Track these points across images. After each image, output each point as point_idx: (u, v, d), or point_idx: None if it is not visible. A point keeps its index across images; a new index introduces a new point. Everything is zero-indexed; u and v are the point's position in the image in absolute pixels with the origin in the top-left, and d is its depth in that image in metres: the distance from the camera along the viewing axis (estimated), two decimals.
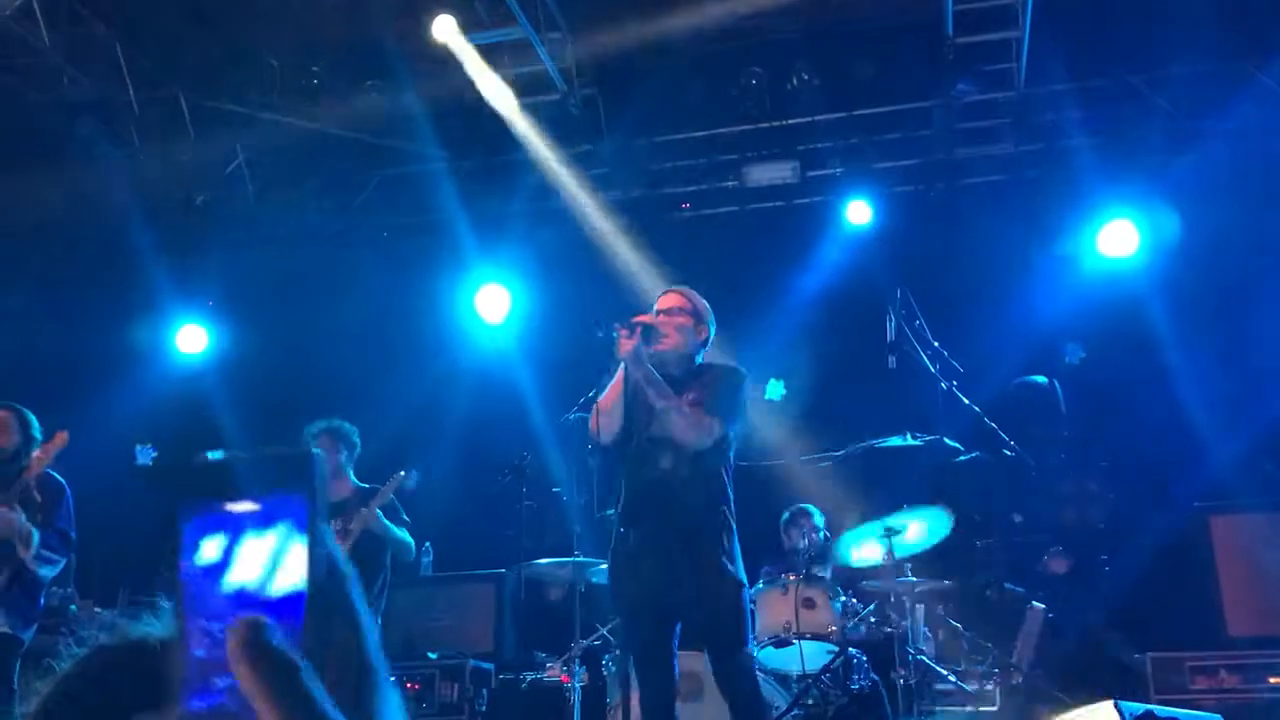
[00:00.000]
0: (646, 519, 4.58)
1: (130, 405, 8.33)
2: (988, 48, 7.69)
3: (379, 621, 5.89)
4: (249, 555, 0.75)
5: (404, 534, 6.00)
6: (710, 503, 4.62)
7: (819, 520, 6.63)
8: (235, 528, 0.76)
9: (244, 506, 0.76)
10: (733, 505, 4.72)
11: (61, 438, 5.44)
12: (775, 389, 4.60)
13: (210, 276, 8.91)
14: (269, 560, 0.75)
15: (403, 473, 5.98)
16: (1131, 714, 3.19)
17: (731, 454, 4.77)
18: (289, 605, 0.74)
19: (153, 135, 8.20)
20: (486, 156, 8.64)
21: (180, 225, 8.55)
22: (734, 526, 4.69)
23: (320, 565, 0.74)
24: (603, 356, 4.65)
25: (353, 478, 6.17)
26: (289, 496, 0.76)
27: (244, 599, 0.74)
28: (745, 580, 4.68)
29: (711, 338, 4.90)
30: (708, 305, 4.92)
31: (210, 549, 0.76)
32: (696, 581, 4.54)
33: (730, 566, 4.59)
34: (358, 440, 6.25)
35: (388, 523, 5.91)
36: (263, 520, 0.76)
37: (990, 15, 7.49)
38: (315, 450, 0.78)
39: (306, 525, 0.75)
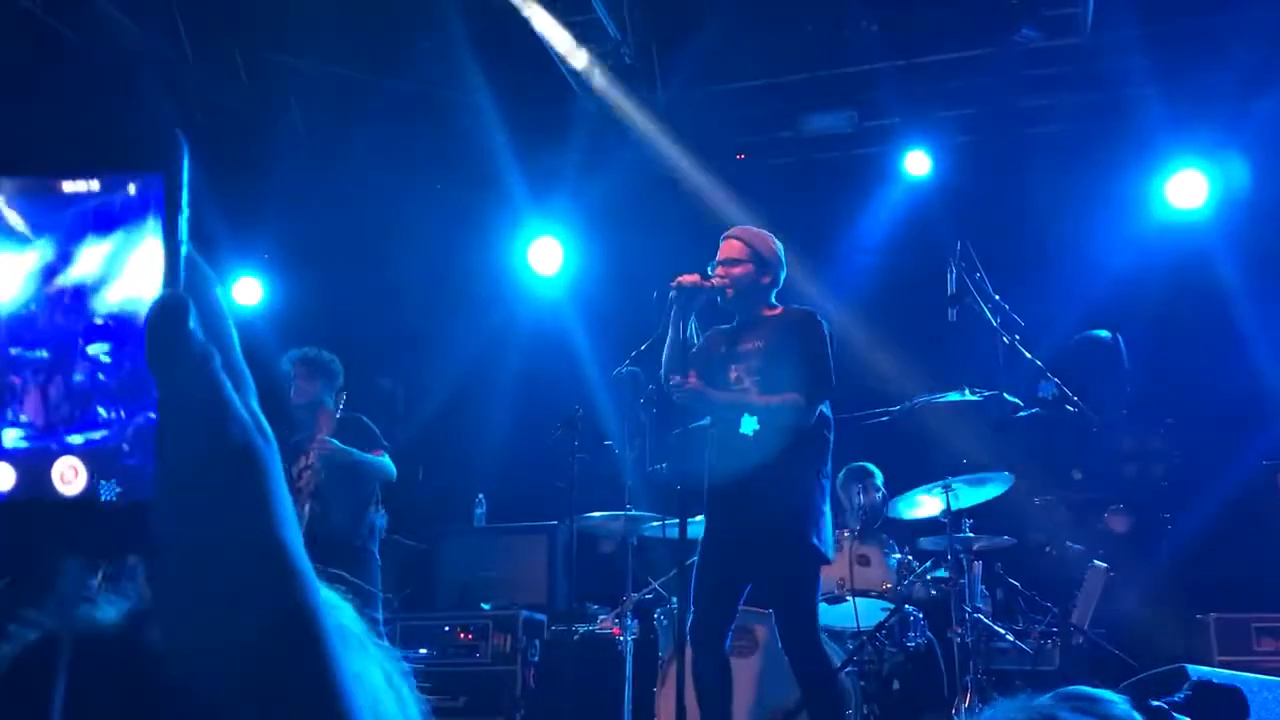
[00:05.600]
0: (723, 480, 4.52)
1: None
2: None
3: (377, 558, 5.96)
4: (84, 256, 0.58)
5: (375, 457, 5.91)
6: (795, 464, 4.50)
7: (879, 478, 6.56)
8: (65, 215, 0.59)
9: (81, 185, 0.59)
10: (827, 467, 4.61)
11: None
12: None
13: (265, 229, 8.94)
14: (108, 263, 0.58)
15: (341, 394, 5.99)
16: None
17: (827, 410, 4.66)
18: (131, 319, 0.57)
19: (208, 88, 8.20)
20: (540, 108, 8.56)
21: (235, 177, 8.56)
22: (823, 491, 4.56)
23: (181, 263, 0.57)
24: (657, 311, 4.62)
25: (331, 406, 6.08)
26: (142, 177, 0.58)
27: (74, 309, 0.57)
28: (828, 555, 4.59)
29: (781, 279, 4.78)
30: (773, 243, 4.77)
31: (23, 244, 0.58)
32: (767, 552, 4.48)
33: (804, 538, 4.47)
34: (339, 369, 6.13)
35: (348, 448, 5.82)
36: (104, 214, 0.58)
37: None
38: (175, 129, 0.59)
39: (165, 212, 0.58)
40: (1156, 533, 7.05)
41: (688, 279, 4.59)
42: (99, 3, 7.31)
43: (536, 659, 6.92)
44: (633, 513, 6.09)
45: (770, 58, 7.99)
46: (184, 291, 0.57)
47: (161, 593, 0.57)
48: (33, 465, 0.58)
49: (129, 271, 0.58)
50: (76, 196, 0.59)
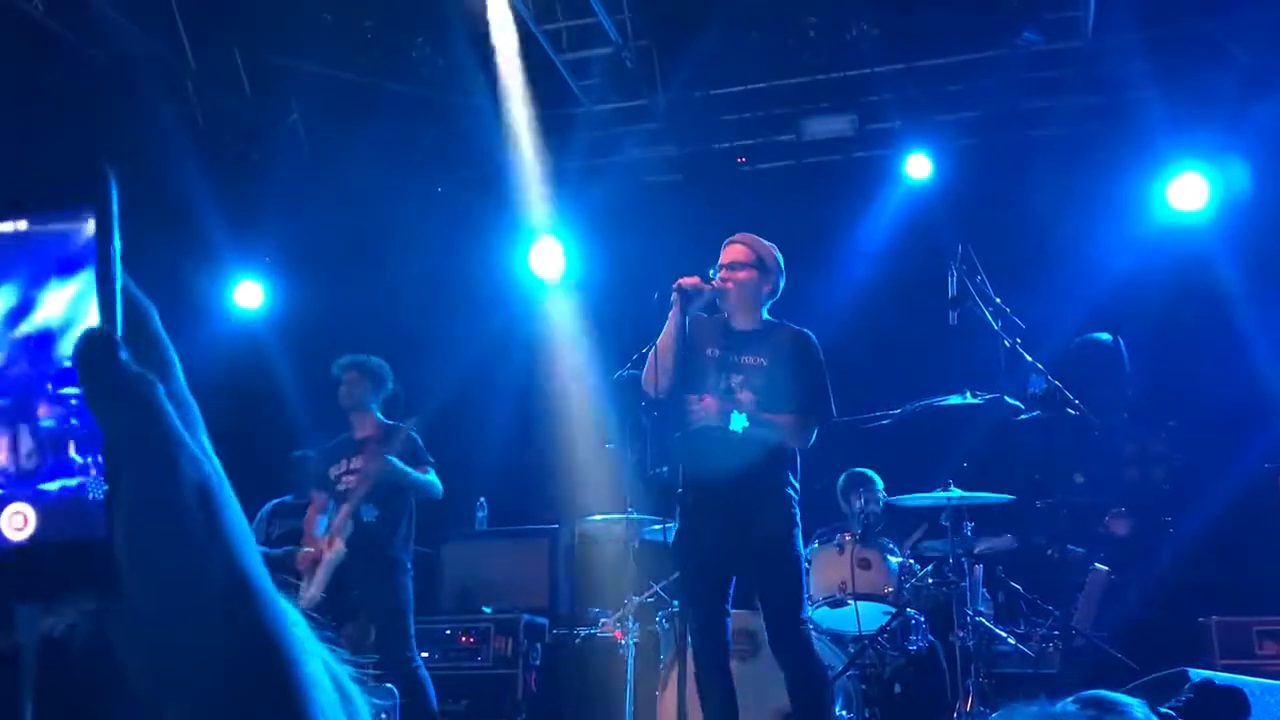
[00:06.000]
0: (705, 480, 4.53)
1: (186, 360, 8.36)
2: None
3: (409, 567, 6.00)
4: (48, 300, 0.57)
5: (423, 475, 5.99)
6: (773, 467, 4.55)
7: (879, 484, 6.55)
8: (22, 260, 0.57)
9: (8, 226, 0.57)
10: (798, 470, 4.68)
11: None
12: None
13: (267, 232, 8.94)
14: (72, 306, 0.57)
15: (412, 419, 6.07)
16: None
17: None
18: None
19: (209, 90, 8.21)
20: (541, 110, 8.56)
21: (237, 180, 8.57)
22: (797, 493, 4.64)
23: (118, 303, 0.56)
24: (656, 314, 4.62)
25: (378, 415, 6.14)
26: (72, 215, 0.57)
27: (39, 354, 0.56)
28: (802, 552, 4.66)
29: (780, 288, 4.81)
30: (776, 253, 4.81)
31: None
32: (755, 551, 4.52)
33: (791, 538, 4.55)
34: (388, 376, 6.23)
35: (405, 468, 5.90)
36: (68, 257, 0.57)
37: None
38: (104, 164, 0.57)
39: (97, 250, 0.56)
40: (1158, 536, 7.04)
41: (688, 281, 4.60)
42: (100, 6, 7.32)
43: (538, 662, 6.91)
44: (634, 516, 6.09)
45: (771, 61, 7.99)
46: (118, 323, 0.56)
47: (121, 627, 0.56)
48: None
49: (94, 313, 0.57)
50: (24, 239, 0.57)
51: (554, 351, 8.41)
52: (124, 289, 0.57)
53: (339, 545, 5.82)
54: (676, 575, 4.71)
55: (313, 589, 5.77)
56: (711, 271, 4.70)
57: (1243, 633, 5.96)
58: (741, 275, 4.68)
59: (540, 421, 6.97)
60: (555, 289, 8.76)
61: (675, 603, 5.45)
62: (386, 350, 8.47)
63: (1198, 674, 3.07)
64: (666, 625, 5.79)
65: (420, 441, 6.11)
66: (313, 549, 5.90)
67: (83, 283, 0.57)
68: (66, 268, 0.57)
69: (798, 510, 4.63)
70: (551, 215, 8.64)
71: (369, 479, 5.82)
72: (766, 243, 4.82)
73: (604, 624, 6.56)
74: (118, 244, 0.57)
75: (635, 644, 5.95)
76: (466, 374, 8.36)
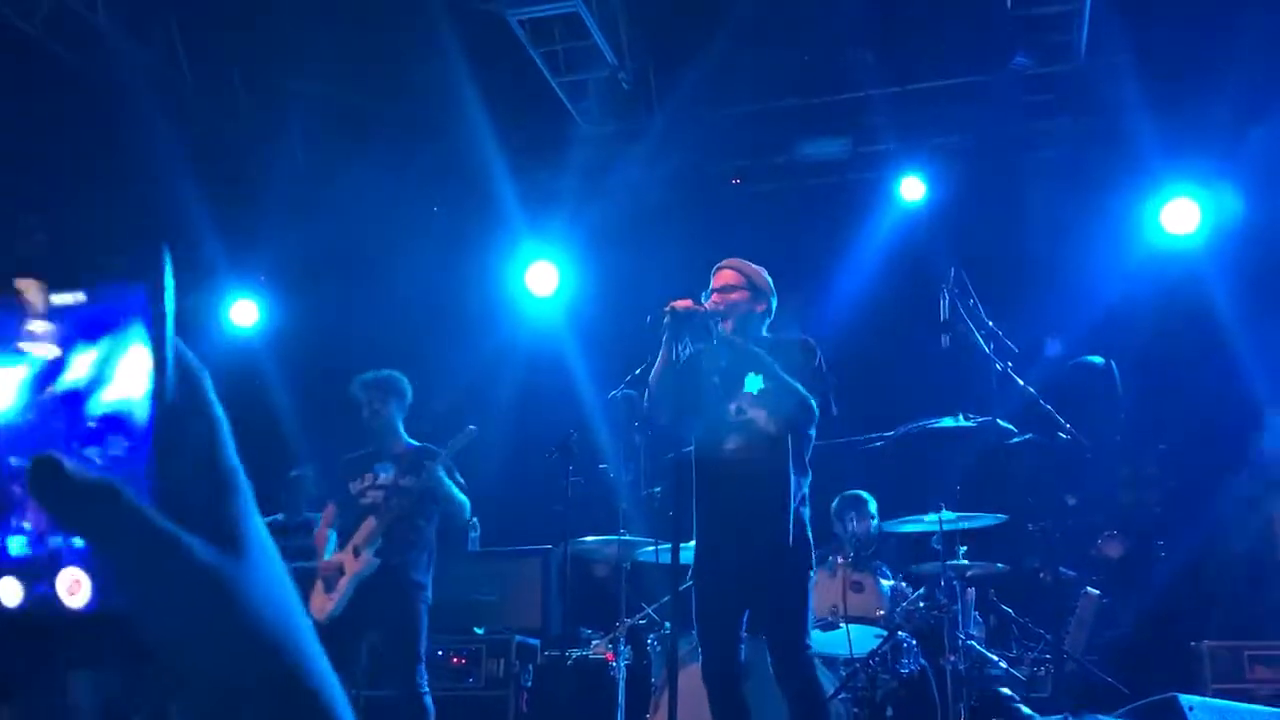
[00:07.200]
0: (717, 501, 4.53)
1: None
2: (1047, 20, 7.49)
3: (428, 592, 5.86)
4: (75, 362, 0.59)
5: (461, 494, 5.89)
6: (784, 486, 4.52)
7: (872, 506, 6.55)
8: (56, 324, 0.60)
9: (68, 298, 0.60)
10: (807, 488, 4.64)
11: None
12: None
13: (262, 250, 8.95)
14: (97, 368, 0.59)
15: (472, 427, 5.89)
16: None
17: (812, 432, 4.69)
18: (124, 421, 0.58)
19: (206, 109, 8.23)
20: (536, 131, 8.59)
21: (233, 199, 8.58)
22: (807, 511, 4.60)
23: (169, 369, 0.59)
24: (651, 335, 4.62)
25: (403, 433, 6.05)
26: (127, 287, 0.59)
27: (68, 415, 0.58)
28: (809, 576, 4.60)
29: (774, 308, 4.82)
30: (766, 274, 4.83)
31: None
32: (766, 570, 4.49)
33: (801, 553, 4.51)
34: (407, 387, 6.12)
35: (448, 481, 5.79)
36: (92, 322, 0.60)
37: None
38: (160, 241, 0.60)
39: (150, 320, 0.59)
40: (1150, 559, 7.05)
41: (681, 304, 4.59)
42: (98, 24, 7.34)
43: (529, 684, 6.89)
44: (627, 537, 6.08)
45: (766, 83, 8.03)
46: (169, 391, 0.58)
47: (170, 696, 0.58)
48: (38, 576, 0.58)
49: (119, 375, 0.59)
50: (64, 306, 0.60)
51: (548, 371, 8.41)
52: (177, 356, 0.60)
53: (368, 557, 5.67)
54: (671, 595, 4.65)
55: (331, 602, 5.65)
56: (703, 296, 4.71)
57: (1234, 657, 5.95)
58: (734, 297, 4.70)
59: (533, 442, 6.96)
60: (550, 309, 8.77)
61: (667, 624, 5.43)
62: (381, 368, 8.47)
63: (1188, 699, 3.07)
64: (658, 647, 5.77)
65: (453, 461, 6.00)
66: (334, 559, 5.79)
67: (105, 346, 0.59)
68: (91, 331, 0.60)
69: (806, 523, 4.56)
70: (547, 235, 8.67)
71: (412, 493, 5.70)
72: (755, 265, 4.84)
73: (596, 645, 6.53)
74: (171, 317, 0.59)
75: (627, 666, 5.93)
76: (461, 392, 8.36)
